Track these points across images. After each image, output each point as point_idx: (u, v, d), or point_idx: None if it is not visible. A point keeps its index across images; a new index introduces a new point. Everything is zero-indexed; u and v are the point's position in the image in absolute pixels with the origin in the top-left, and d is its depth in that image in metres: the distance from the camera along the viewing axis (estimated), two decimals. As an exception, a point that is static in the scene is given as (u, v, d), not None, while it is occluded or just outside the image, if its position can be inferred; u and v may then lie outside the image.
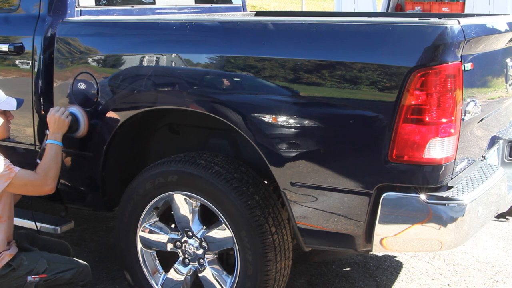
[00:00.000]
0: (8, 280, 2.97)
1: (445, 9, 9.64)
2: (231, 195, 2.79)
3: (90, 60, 3.07)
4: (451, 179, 2.59)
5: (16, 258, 2.99)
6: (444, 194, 2.51)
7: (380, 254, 3.96)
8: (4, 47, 3.24)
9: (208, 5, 4.38)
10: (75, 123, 3.07)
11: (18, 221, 3.36)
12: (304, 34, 2.67)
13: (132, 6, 3.66)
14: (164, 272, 3.15)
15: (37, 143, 3.32)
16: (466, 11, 8.95)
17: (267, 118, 2.66)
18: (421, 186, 2.49)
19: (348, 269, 3.84)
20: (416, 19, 2.63)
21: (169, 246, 3.09)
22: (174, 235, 3.06)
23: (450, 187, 2.57)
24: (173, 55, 2.88)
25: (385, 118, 2.46)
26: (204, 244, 2.98)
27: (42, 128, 3.29)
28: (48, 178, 2.99)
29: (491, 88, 2.97)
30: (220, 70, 2.78)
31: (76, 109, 3.08)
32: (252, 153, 2.88)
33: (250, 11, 4.75)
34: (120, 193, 3.14)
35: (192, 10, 4.20)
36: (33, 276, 2.97)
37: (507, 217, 4.60)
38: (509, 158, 3.49)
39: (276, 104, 2.66)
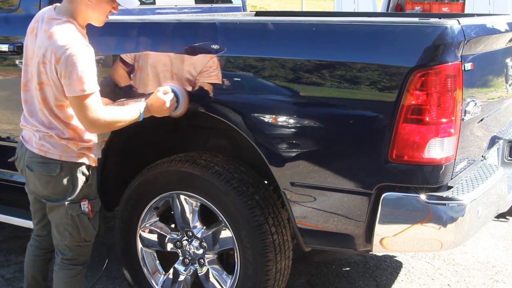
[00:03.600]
0: (60, 185, 2.46)
1: (445, 9, 9.64)
2: (231, 195, 2.79)
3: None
4: (451, 179, 2.59)
5: (91, 168, 2.55)
6: (444, 194, 2.51)
7: (380, 254, 3.96)
8: (4, 47, 3.23)
9: (208, 5, 4.37)
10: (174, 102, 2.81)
11: (19, 221, 3.36)
12: (304, 34, 2.67)
13: (132, 6, 3.65)
14: (164, 272, 3.15)
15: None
16: (466, 11, 8.95)
17: (267, 118, 2.66)
18: (421, 186, 2.49)
19: (348, 269, 3.83)
20: (416, 19, 2.63)
21: (169, 246, 3.09)
22: (174, 235, 3.06)
23: (450, 187, 2.57)
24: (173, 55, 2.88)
25: (385, 118, 2.46)
26: (204, 244, 2.98)
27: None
28: (103, 123, 2.50)
29: (491, 88, 2.97)
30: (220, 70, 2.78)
31: (177, 88, 2.82)
32: (252, 153, 2.88)
33: (250, 11, 4.74)
34: (120, 193, 3.14)
35: (192, 10, 4.20)
36: (88, 204, 2.54)
37: (507, 217, 4.60)
38: (509, 158, 3.49)
39: (276, 104, 2.66)
